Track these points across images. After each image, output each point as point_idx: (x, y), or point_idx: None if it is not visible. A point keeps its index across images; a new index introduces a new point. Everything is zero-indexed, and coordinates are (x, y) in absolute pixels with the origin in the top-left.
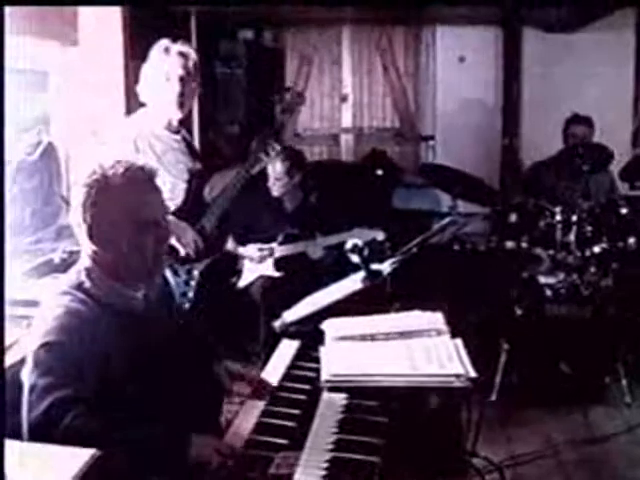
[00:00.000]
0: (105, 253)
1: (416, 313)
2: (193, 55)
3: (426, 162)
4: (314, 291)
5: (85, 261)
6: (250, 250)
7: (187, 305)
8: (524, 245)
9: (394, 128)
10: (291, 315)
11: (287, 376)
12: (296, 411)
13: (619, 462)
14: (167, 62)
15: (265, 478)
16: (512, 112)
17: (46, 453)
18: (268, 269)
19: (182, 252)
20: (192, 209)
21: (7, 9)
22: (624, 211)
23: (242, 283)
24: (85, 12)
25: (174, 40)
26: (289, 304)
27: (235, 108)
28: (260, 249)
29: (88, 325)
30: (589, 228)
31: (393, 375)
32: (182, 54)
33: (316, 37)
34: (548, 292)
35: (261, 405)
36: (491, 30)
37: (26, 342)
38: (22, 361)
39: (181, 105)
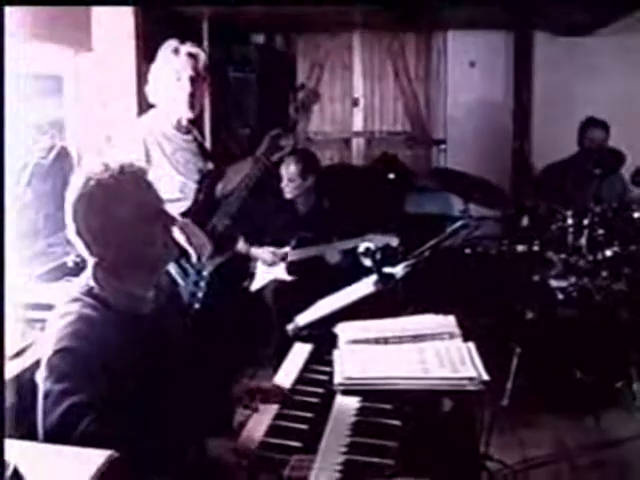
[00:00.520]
0: (113, 254)
1: (428, 316)
2: (202, 56)
3: (438, 166)
4: (327, 295)
5: (92, 267)
6: (263, 253)
7: (197, 306)
8: (536, 248)
9: (405, 132)
10: (304, 318)
11: (300, 379)
12: (309, 414)
13: (632, 466)
14: (177, 63)
15: None
16: (523, 116)
17: (63, 454)
18: (281, 272)
19: (193, 255)
20: (202, 209)
21: (22, 15)
22: (636, 215)
23: (255, 286)
24: (98, 18)
25: (182, 41)
26: (302, 308)
27: (247, 112)
28: (273, 252)
29: (99, 330)
30: (601, 232)
31: (406, 378)
32: (191, 55)
33: (327, 42)
34: (560, 296)
35: (274, 408)
36: (502, 34)
37: (41, 345)
38: (37, 363)
39: (192, 105)
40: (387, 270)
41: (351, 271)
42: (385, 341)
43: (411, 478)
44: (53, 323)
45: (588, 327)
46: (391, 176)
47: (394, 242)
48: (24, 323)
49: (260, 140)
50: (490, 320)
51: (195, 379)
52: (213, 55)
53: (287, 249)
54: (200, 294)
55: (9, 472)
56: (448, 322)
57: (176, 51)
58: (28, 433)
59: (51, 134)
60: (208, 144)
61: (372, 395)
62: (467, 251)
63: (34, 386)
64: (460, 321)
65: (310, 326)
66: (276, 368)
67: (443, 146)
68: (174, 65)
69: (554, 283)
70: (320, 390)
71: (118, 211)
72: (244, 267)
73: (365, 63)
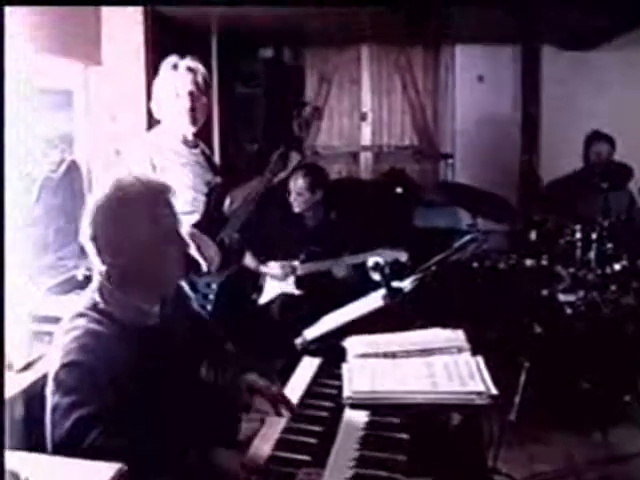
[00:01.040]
0: (124, 266)
1: (437, 330)
2: (202, 70)
3: (445, 180)
4: (335, 309)
5: (98, 281)
6: (272, 268)
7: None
8: (544, 263)
9: (413, 146)
10: (312, 332)
11: (309, 393)
12: (318, 428)
13: None
14: (176, 78)
15: None
16: (531, 130)
17: (73, 466)
18: (289, 286)
19: (203, 265)
20: (211, 222)
21: (33, 28)
22: None
23: (263, 300)
24: (108, 32)
25: (182, 56)
26: (310, 321)
27: (255, 126)
28: (282, 266)
29: (106, 343)
30: (609, 245)
31: (414, 392)
32: (190, 69)
33: (335, 56)
34: (568, 310)
35: (283, 422)
36: (509, 49)
37: (47, 359)
38: (47, 376)
39: (193, 120)
40: (395, 284)
41: (359, 285)
42: (393, 355)
43: None
44: (59, 338)
45: (596, 341)
46: (399, 190)
47: (403, 257)
48: (34, 336)
49: (268, 154)
50: (498, 334)
51: (201, 390)
52: (221, 70)
53: (296, 263)
54: (209, 306)
55: None
56: (456, 336)
57: (175, 67)
58: (38, 445)
59: (61, 148)
60: (216, 159)
61: (381, 409)
62: (475, 265)
63: (43, 399)
64: (468, 335)
65: (318, 340)
66: (284, 382)
67: (451, 160)
68: (173, 81)
69: (563, 297)
70: (329, 404)
71: (137, 224)
72: (252, 280)
73: (373, 77)
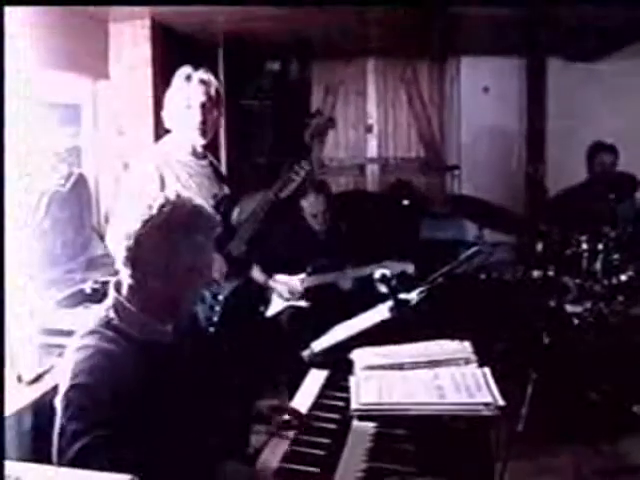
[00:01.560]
0: (152, 287)
1: (444, 342)
2: (214, 82)
3: (454, 193)
4: (343, 321)
5: (113, 298)
6: (279, 286)
7: (212, 330)
8: (551, 274)
9: (419, 158)
10: (319, 345)
11: (316, 405)
12: (326, 440)
13: None
14: (189, 89)
15: None
16: (537, 141)
17: (82, 478)
18: (297, 299)
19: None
20: (219, 234)
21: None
22: None
23: (271, 312)
24: (115, 46)
25: (196, 67)
26: (318, 334)
27: (262, 139)
28: (290, 288)
29: (117, 363)
30: (616, 256)
31: (422, 404)
32: (203, 81)
33: (342, 69)
34: (575, 321)
35: (291, 434)
36: (515, 60)
37: (59, 376)
38: (56, 388)
39: (203, 132)
40: (402, 296)
41: (367, 297)
42: (401, 367)
43: None
44: (70, 356)
45: (604, 352)
46: (405, 202)
47: (410, 269)
48: (42, 349)
49: (275, 166)
50: (506, 345)
51: (210, 405)
52: (228, 83)
53: (303, 275)
54: (215, 318)
55: None
56: (464, 348)
57: (188, 78)
58: (46, 457)
59: (69, 162)
60: (223, 171)
61: (388, 420)
62: (482, 277)
63: (53, 411)
64: (476, 346)
65: (326, 352)
66: (292, 394)
67: (457, 172)
68: (186, 92)
69: (570, 308)
70: (336, 416)
71: (183, 250)
72: (259, 292)
73: (379, 89)
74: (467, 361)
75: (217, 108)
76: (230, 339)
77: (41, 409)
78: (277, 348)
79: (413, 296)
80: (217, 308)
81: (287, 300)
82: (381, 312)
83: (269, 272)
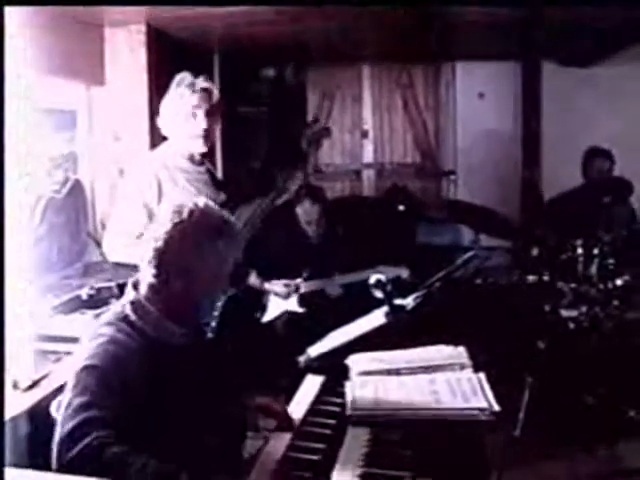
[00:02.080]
0: (174, 288)
1: (439, 347)
2: (215, 91)
3: (450, 199)
4: (339, 326)
5: (132, 295)
6: (276, 287)
7: (210, 335)
8: (546, 278)
9: (415, 163)
10: (315, 350)
11: (312, 411)
12: (322, 445)
13: None
14: (193, 98)
15: None
16: (532, 146)
17: None
18: (293, 304)
19: None
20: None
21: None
22: None
23: (267, 318)
24: (111, 52)
25: (196, 75)
26: (314, 339)
27: (258, 145)
28: (286, 285)
29: (129, 354)
30: (611, 260)
31: (418, 409)
32: (206, 90)
33: (337, 74)
34: (571, 325)
35: (286, 439)
36: (510, 65)
37: (55, 376)
38: (52, 395)
39: (206, 140)
40: (398, 301)
41: (363, 303)
42: (397, 372)
43: None
44: (85, 343)
45: (600, 356)
46: (401, 208)
47: (404, 274)
48: (39, 355)
49: (271, 173)
50: (501, 350)
51: (209, 406)
52: (224, 89)
53: (299, 280)
54: (213, 323)
55: None
56: (459, 353)
57: (192, 86)
58: (42, 464)
59: (65, 168)
60: (220, 178)
61: (384, 426)
62: (478, 281)
63: (49, 417)
64: (471, 352)
65: (322, 358)
66: (288, 400)
67: (453, 177)
68: (190, 100)
69: (565, 313)
70: (332, 421)
71: (209, 255)
72: (256, 299)
73: (374, 95)
74: (462, 366)
75: (218, 115)
76: (228, 345)
77: (37, 415)
78: (273, 353)
79: (409, 301)
80: (215, 314)
81: (287, 297)
82: (377, 317)
83: (265, 278)
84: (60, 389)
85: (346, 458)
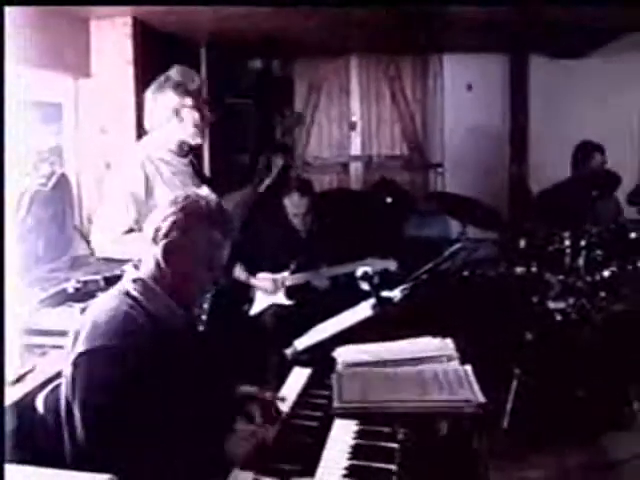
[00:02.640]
0: (169, 271)
1: (426, 339)
2: (203, 88)
3: (435, 190)
4: (326, 319)
5: (134, 274)
6: (263, 282)
7: (202, 328)
8: (533, 270)
9: (403, 156)
10: (302, 343)
11: (299, 403)
12: (308, 438)
13: None
14: (185, 95)
15: None
16: (520, 138)
17: (62, 478)
18: (280, 297)
19: None
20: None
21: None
22: (633, 235)
23: (254, 311)
24: (97, 44)
25: (182, 73)
26: (301, 332)
27: (245, 137)
28: (273, 280)
29: (134, 327)
30: (598, 252)
31: (404, 401)
32: (198, 85)
33: (325, 66)
34: (558, 317)
35: (273, 432)
36: (498, 57)
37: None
38: (38, 389)
39: (202, 133)
40: (385, 294)
41: (350, 295)
42: (383, 364)
43: None
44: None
45: (587, 348)
46: (389, 200)
47: (392, 266)
48: (25, 349)
49: (258, 164)
50: (489, 342)
51: (196, 399)
52: (211, 82)
53: (286, 274)
54: (204, 316)
55: None
56: (446, 345)
57: (178, 86)
58: (28, 458)
59: (51, 161)
60: (207, 170)
61: (370, 418)
62: (465, 273)
63: (34, 411)
64: (458, 344)
65: (309, 350)
66: (275, 392)
67: (440, 169)
68: (182, 98)
69: (552, 304)
70: (319, 414)
71: (199, 238)
72: (245, 291)
73: (362, 86)
74: (449, 358)
75: (208, 109)
76: (217, 337)
77: (23, 410)
78: (261, 346)
79: (396, 293)
80: (205, 306)
81: (272, 294)
82: (364, 310)
83: (252, 271)
84: (46, 383)
85: (333, 450)
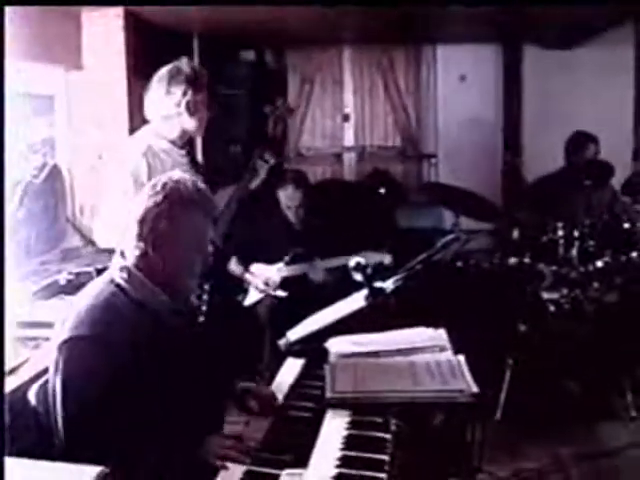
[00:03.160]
0: (153, 257)
1: (419, 330)
2: (204, 81)
3: (428, 181)
4: (319, 310)
5: (121, 262)
6: (256, 279)
7: (201, 319)
8: (527, 261)
9: (396, 146)
10: (295, 334)
11: (292, 394)
12: (301, 429)
13: (625, 476)
14: (198, 89)
15: None
16: (513, 129)
17: (55, 470)
18: (275, 288)
19: None
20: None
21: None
22: (626, 225)
23: (248, 302)
24: (89, 35)
25: (188, 69)
26: (295, 323)
27: (238, 128)
28: (266, 281)
29: (118, 314)
30: (591, 243)
31: (397, 391)
32: (206, 79)
33: (318, 57)
34: (551, 307)
35: (266, 423)
36: (491, 48)
37: (34, 362)
38: (30, 381)
39: (205, 126)
40: (378, 284)
41: (343, 287)
42: (376, 355)
43: None
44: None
45: (580, 338)
46: (382, 191)
47: (386, 260)
48: (17, 341)
49: (251, 156)
50: (482, 333)
51: (189, 389)
52: None
53: (280, 265)
54: (204, 307)
55: None
56: (439, 335)
57: (184, 83)
58: (19, 451)
59: (43, 153)
60: (200, 161)
61: (363, 408)
62: (458, 264)
63: (26, 404)
64: (451, 334)
65: (302, 341)
66: (269, 383)
67: (434, 160)
68: (194, 90)
69: (546, 295)
70: (312, 404)
71: (187, 226)
72: (241, 282)
73: (355, 78)
74: (442, 348)
75: (208, 102)
76: (214, 328)
77: (15, 402)
78: (255, 337)
79: (389, 284)
80: (204, 297)
81: (262, 292)
82: (357, 300)
83: (246, 263)
84: (39, 375)
85: (325, 441)
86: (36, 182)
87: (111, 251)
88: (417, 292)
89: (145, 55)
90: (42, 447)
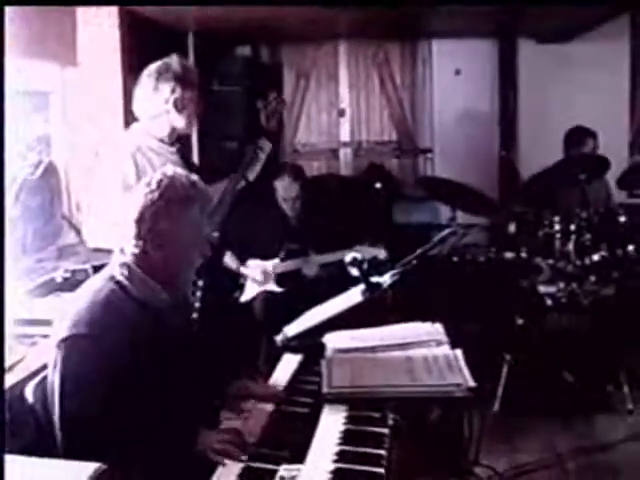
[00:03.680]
0: (151, 254)
1: (416, 324)
2: (195, 78)
3: (423, 175)
4: (316, 305)
5: (120, 258)
6: (253, 272)
7: (195, 315)
8: (523, 255)
9: (392, 141)
10: (292, 329)
11: (289, 389)
12: (298, 424)
13: (622, 469)
14: (187, 87)
15: None
16: (509, 123)
17: (52, 466)
18: (270, 284)
19: None
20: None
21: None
22: (622, 219)
23: (244, 298)
24: (84, 32)
25: (177, 65)
26: (291, 319)
27: (233, 124)
28: (264, 271)
29: (117, 311)
30: (588, 237)
31: (394, 386)
32: (196, 76)
33: (313, 52)
34: (548, 301)
35: (263, 419)
36: (487, 42)
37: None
38: (27, 379)
39: (194, 122)
40: (374, 279)
41: (340, 282)
42: (373, 350)
43: None
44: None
45: (577, 332)
46: (378, 186)
47: (382, 255)
48: (13, 339)
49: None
50: (479, 327)
51: (185, 385)
52: (199, 68)
53: (276, 260)
54: (197, 304)
55: None
56: (435, 330)
57: (173, 80)
58: (17, 448)
59: (38, 150)
60: (195, 158)
61: (360, 403)
62: (455, 259)
63: (23, 402)
64: (448, 329)
65: (299, 337)
66: (266, 379)
67: (430, 155)
68: (183, 88)
69: (543, 289)
70: (309, 400)
71: (183, 222)
72: (235, 278)
73: (351, 73)
74: (439, 343)
75: (199, 99)
76: (213, 325)
77: (12, 400)
78: (251, 333)
79: (386, 279)
80: (198, 294)
81: (262, 284)
82: (353, 296)
83: (242, 257)
84: (36, 373)
85: (323, 436)
86: (32, 179)
87: (101, 250)
88: (414, 287)
89: (140, 52)
90: (39, 444)
